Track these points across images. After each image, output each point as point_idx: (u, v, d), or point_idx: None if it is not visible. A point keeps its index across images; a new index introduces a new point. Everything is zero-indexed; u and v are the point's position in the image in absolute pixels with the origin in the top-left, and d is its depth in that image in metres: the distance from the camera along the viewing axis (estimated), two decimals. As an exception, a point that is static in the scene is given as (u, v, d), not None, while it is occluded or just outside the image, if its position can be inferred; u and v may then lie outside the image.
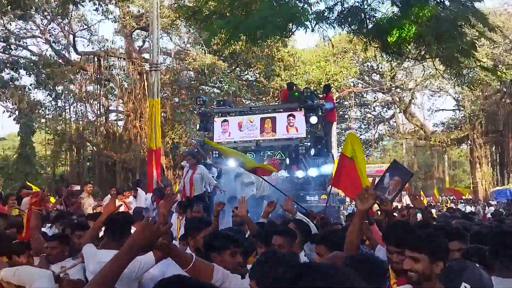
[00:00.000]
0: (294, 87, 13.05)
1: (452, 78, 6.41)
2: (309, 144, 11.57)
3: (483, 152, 32.33)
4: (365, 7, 6.79)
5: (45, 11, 19.22)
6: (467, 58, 6.40)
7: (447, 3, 6.27)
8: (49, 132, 23.20)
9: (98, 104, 22.52)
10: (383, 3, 6.75)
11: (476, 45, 6.37)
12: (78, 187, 11.38)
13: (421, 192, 24.57)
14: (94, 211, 8.97)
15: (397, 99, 33.67)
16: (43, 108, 21.92)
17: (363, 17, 6.87)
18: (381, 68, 30.15)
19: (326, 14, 6.71)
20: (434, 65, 7.55)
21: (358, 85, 33.32)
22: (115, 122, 24.74)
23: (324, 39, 6.85)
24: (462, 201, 25.41)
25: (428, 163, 41.38)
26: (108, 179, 22.02)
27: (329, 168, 12.70)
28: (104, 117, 23.39)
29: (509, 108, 28.89)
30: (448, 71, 7.06)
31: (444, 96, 32.74)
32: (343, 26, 6.99)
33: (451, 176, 43.86)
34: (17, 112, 19.71)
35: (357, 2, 6.71)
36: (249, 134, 12.53)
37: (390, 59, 7.89)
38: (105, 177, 22.15)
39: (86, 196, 10.41)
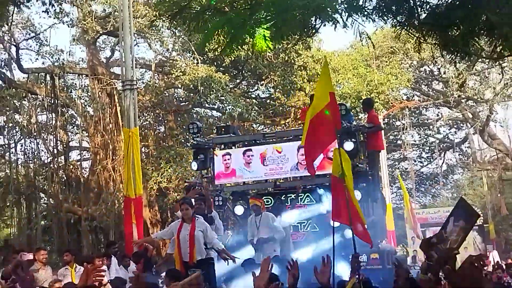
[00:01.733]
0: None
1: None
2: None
3: None
4: (416, -9, 6.96)
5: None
6: None
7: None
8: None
9: (54, 140, 22.90)
10: (440, -16, 6.91)
11: None
12: (30, 256, 11.48)
13: None
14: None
15: (470, 116, 33.65)
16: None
17: (412, 4, 7.01)
18: (445, 73, 30.27)
19: (362, 3, 6.88)
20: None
21: (413, 98, 33.42)
22: (78, 163, 25.05)
23: (361, 36, 6.97)
24: None
25: (521, 202, 40.90)
26: (72, 243, 22.15)
27: (379, 215, 12.71)
28: (63, 157, 23.72)
29: None
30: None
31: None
32: (386, 18, 7.13)
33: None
34: None
35: (404, -16, 6.89)
36: (278, 169, 12.76)
37: (454, 59, 7.99)
38: (67, 240, 22.28)
39: (40, 268, 10.49)
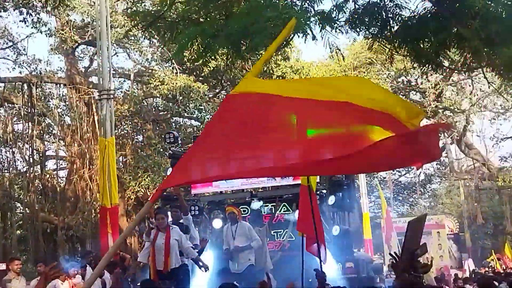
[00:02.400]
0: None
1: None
2: (325, 191, 11.74)
3: None
4: (387, 3, 7.03)
5: None
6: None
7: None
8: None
9: (31, 149, 22.70)
10: (412, -2, 7.01)
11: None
12: (3, 266, 11.36)
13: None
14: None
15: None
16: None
17: (385, 16, 7.09)
18: (422, 83, 30.54)
19: (334, 14, 6.93)
20: (485, 77, 7.76)
21: (391, 108, 33.64)
22: (55, 172, 24.85)
23: (331, 48, 7.04)
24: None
25: (497, 212, 41.28)
26: (48, 253, 21.92)
27: (355, 224, 12.79)
28: (39, 166, 23.52)
29: None
30: (507, 84, 7.26)
31: (512, 118, 32.92)
32: (358, 30, 7.21)
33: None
34: None
35: (376, -4, 6.97)
36: (254, 179, 12.79)
37: (426, 71, 8.12)
38: (43, 249, 22.05)
39: (14, 277, 10.38)
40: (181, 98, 21.20)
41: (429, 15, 7.00)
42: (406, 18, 7.22)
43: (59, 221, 21.93)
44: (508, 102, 30.00)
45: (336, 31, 7.24)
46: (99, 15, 12.74)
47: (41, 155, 23.65)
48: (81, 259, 12.25)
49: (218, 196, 13.59)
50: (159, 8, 8.26)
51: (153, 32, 8.80)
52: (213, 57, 7.41)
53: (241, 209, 12.14)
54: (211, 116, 23.40)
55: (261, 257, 11.12)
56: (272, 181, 12.84)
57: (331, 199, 11.43)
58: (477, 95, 29.63)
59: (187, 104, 21.90)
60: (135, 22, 10.16)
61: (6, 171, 23.23)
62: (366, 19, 7.23)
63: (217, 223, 12.45)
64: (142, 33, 18.15)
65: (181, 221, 10.20)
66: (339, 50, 7.72)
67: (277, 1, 6.75)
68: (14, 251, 21.46)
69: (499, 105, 31.98)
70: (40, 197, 23.02)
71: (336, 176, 11.99)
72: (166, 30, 7.37)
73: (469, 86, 29.33)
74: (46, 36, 21.75)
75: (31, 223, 22.53)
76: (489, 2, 6.69)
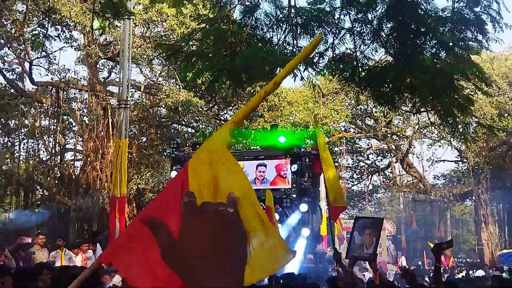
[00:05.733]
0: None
1: (448, 132, 6.96)
2: (294, 196, 11.93)
3: (489, 210, 33.13)
4: (358, 54, 7.38)
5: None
6: (464, 112, 6.99)
7: (442, 55, 6.89)
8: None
9: (53, 142, 22.65)
10: (377, 51, 7.33)
11: (472, 100, 6.98)
12: (29, 240, 11.39)
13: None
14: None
15: (393, 147, 34.47)
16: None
17: (355, 64, 7.44)
18: (376, 112, 31.08)
19: (316, 60, 7.27)
20: (429, 118, 8.14)
21: (350, 130, 34.05)
22: (72, 163, 24.80)
23: (313, 86, 7.36)
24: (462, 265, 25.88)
25: (428, 220, 42.03)
26: (60, 229, 21.82)
27: (317, 223, 13.04)
28: (59, 157, 23.45)
29: (517, 161, 30.03)
30: (444, 124, 7.63)
31: (445, 146, 33.54)
32: (334, 73, 7.54)
33: (454, 236, 44.49)
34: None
35: (349, 49, 7.29)
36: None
37: (383, 110, 8.46)
38: (56, 226, 21.96)
39: (38, 250, 10.46)
40: (181, 109, 21.31)
41: (389, 67, 7.35)
42: (371, 67, 7.56)
43: (72, 203, 21.85)
44: (444, 132, 30.62)
45: (316, 73, 7.61)
46: (123, 39, 12.94)
47: (61, 147, 23.55)
48: (92, 237, 12.36)
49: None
50: (179, 43, 8.51)
51: (171, 61, 9.02)
52: (219, 86, 7.66)
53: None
54: (204, 126, 23.65)
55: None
56: (253, 185, 13.06)
57: (302, 206, 11.60)
58: (419, 124, 30.23)
59: (186, 115, 22.09)
60: (158, 52, 10.39)
61: (31, 159, 23.14)
62: (340, 65, 7.58)
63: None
64: (160, 58, 18.30)
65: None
66: (318, 86, 8.06)
67: (272, 47, 7.06)
68: (32, 226, 21.33)
69: (436, 134, 32.57)
70: (57, 182, 22.94)
71: (305, 185, 12.19)
72: (182, 61, 7.61)
73: (413, 116, 29.89)
74: (75, 50, 21.87)
75: (48, 203, 22.46)
76: (436, 60, 7.08)
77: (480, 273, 20.75)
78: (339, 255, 5.90)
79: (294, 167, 11.89)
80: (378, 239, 4.99)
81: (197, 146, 14.13)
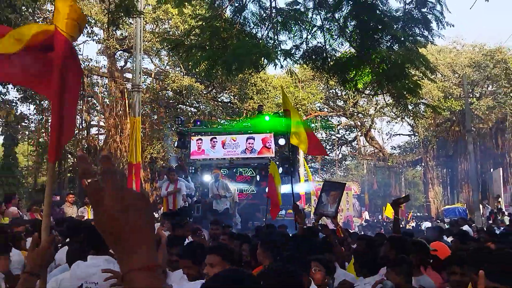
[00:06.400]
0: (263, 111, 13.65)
1: (401, 112, 7.02)
2: (277, 163, 12.04)
3: (435, 174, 33.72)
4: (327, 47, 7.38)
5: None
6: (413, 95, 7.04)
7: (396, 47, 6.90)
8: (31, 144, 22.96)
9: (80, 119, 22.45)
10: (342, 45, 7.34)
11: (420, 84, 7.02)
12: (57, 198, 11.42)
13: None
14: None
15: (359, 124, 34.65)
16: (27, 121, 21.75)
17: (325, 55, 7.44)
18: (345, 95, 31.11)
19: (293, 52, 7.26)
20: (385, 100, 8.19)
21: (324, 110, 34.11)
22: (96, 136, 24.65)
23: (290, 74, 7.36)
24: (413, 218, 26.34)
25: (386, 182, 42.53)
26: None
27: (295, 185, 13.18)
28: (85, 131, 23.30)
29: (458, 135, 30.34)
30: (397, 105, 7.69)
31: (400, 123, 33.77)
32: (308, 63, 7.54)
33: (406, 194, 45.07)
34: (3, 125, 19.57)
35: (320, 43, 7.28)
36: (232, 151, 13.02)
37: (349, 92, 8.50)
38: (82, 188, 21.98)
39: (68, 206, 10.53)
40: (185, 92, 21.21)
41: (352, 57, 7.37)
42: (339, 58, 7.58)
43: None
44: (399, 111, 30.72)
45: (293, 62, 7.59)
46: (136, 34, 12.75)
47: (87, 123, 23.38)
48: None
49: (208, 161, 13.77)
50: (180, 37, 8.43)
51: (174, 52, 8.93)
52: (214, 73, 7.64)
53: (222, 171, 12.42)
54: (204, 106, 23.53)
55: (233, 202, 11.49)
56: (243, 154, 13.15)
57: (281, 169, 11.73)
58: (379, 105, 30.36)
59: (189, 97, 21.98)
60: (164, 46, 10.27)
61: (62, 133, 22.95)
62: (313, 56, 7.58)
63: (206, 178, 12.77)
64: (166, 50, 18.04)
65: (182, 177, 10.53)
66: (294, 73, 8.06)
67: (257, 41, 7.02)
68: (65, 187, 21.36)
69: (394, 113, 32.70)
70: (84, 152, 22.81)
71: (285, 154, 12.34)
72: (184, 52, 7.56)
73: (374, 98, 29.98)
74: (96, 43, 21.47)
75: (77, 169, 22.41)
76: (391, 52, 7.09)
77: (427, 224, 21.19)
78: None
79: (282, 141, 11.96)
80: (340, 200, 5.08)
81: (198, 123, 14.15)
